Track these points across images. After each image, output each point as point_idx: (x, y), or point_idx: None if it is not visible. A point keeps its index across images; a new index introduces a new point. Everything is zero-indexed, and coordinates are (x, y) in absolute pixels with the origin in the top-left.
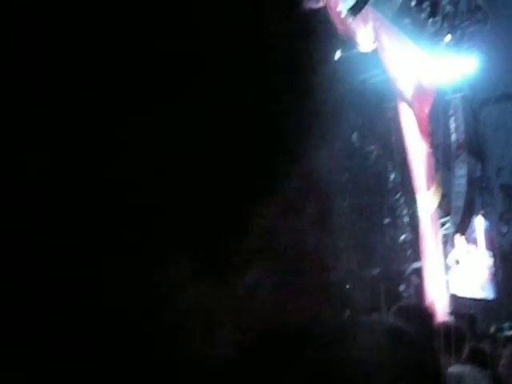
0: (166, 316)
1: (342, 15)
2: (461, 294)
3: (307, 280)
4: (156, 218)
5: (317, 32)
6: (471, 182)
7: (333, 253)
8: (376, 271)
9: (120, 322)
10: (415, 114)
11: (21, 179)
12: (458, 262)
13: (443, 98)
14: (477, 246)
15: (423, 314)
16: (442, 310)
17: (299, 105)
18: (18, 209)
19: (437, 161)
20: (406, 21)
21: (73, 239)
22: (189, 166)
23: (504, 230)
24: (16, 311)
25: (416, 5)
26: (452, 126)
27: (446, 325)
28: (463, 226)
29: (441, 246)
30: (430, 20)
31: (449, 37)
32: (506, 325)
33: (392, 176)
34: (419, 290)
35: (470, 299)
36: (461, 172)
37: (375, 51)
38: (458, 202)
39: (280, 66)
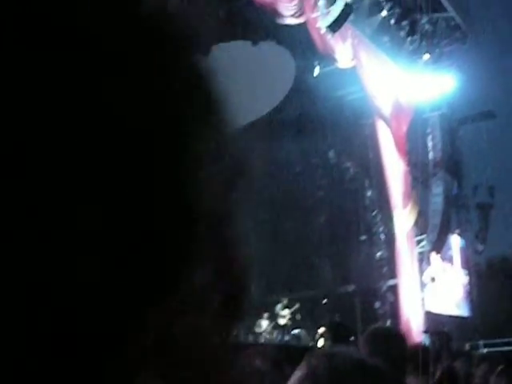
0: None
1: (322, 31)
2: (436, 311)
3: None
4: None
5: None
6: (448, 200)
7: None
8: (352, 288)
9: None
10: (393, 132)
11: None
12: (433, 280)
13: (421, 116)
14: (452, 263)
15: (396, 338)
16: (416, 328)
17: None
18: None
19: (414, 179)
20: (385, 38)
21: None
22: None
23: (480, 248)
24: None
25: (395, 23)
26: (429, 144)
27: (420, 344)
28: (439, 244)
29: (416, 264)
30: (409, 38)
31: (427, 55)
32: (481, 342)
33: (369, 193)
34: (395, 307)
35: (446, 316)
36: (437, 190)
37: (354, 68)
38: (435, 220)
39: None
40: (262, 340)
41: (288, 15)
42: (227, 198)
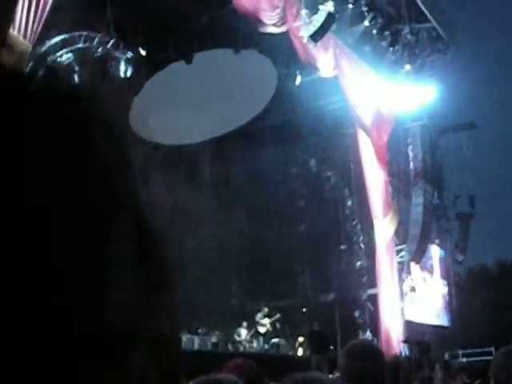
0: None
1: (304, 41)
2: (416, 320)
3: None
4: None
5: None
6: (428, 210)
7: None
8: (332, 297)
9: None
10: (374, 142)
11: None
12: (413, 289)
13: (402, 126)
14: (432, 273)
15: (373, 353)
16: (396, 337)
17: None
18: None
19: (394, 188)
20: (367, 48)
21: None
22: None
23: (459, 258)
24: None
25: (377, 33)
26: (410, 154)
27: (397, 356)
28: (419, 254)
29: (396, 273)
30: (391, 48)
31: (409, 65)
32: (460, 352)
33: (349, 203)
34: (374, 317)
35: (425, 326)
36: (418, 200)
37: (335, 77)
38: (415, 230)
39: None
40: (241, 349)
41: (270, 24)
42: (150, 301)
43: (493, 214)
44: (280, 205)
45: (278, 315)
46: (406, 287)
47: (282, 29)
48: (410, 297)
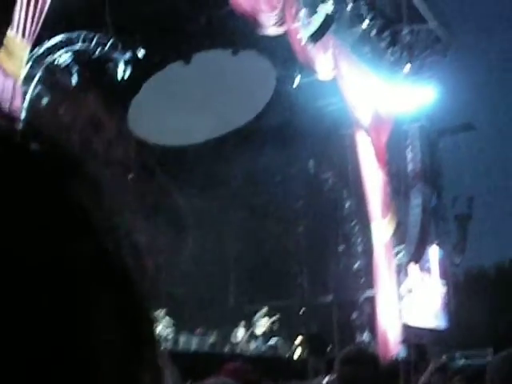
0: None
1: (303, 42)
2: (413, 323)
3: None
4: None
5: None
6: (426, 212)
7: None
8: (329, 298)
9: None
10: (372, 143)
11: None
12: (411, 291)
13: (401, 127)
14: (430, 275)
15: (369, 358)
16: (393, 339)
17: None
18: None
19: (393, 190)
20: (366, 49)
21: None
22: None
23: (458, 259)
24: None
25: (376, 34)
26: (409, 155)
27: (396, 358)
28: (417, 255)
29: (394, 275)
30: (390, 49)
31: (408, 67)
32: (458, 354)
33: (347, 204)
34: (372, 319)
35: (423, 329)
36: (416, 201)
37: (334, 78)
38: (413, 231)
39: None
40: (239, 350)
41: (269, 25)
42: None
43: (491, 215)
44: (278, 206)
45: (276, 316)
46: (403, 289)
47: (281, 30)
48: (408, 299)
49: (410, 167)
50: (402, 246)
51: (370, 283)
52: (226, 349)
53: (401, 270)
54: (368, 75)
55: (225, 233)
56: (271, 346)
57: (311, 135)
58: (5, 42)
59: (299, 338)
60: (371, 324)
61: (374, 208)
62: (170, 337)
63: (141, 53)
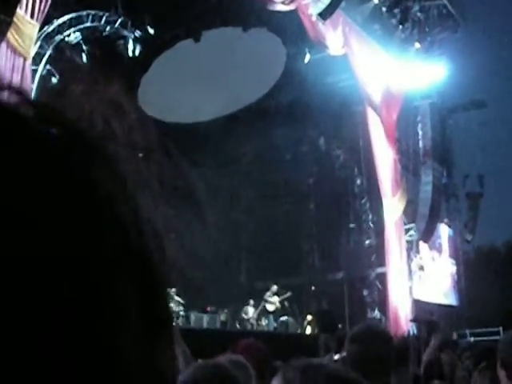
0: None
1: (313, 19)
2: (424, 299)
3: None
4: None
5: None
6: (437, 189)
7: None
8: (340, 275)
9: None
10: (383, 120)
11: None
12: (421, 268)
13: (411, 104)
14: (441, 252)
15: (379, 336)
16: (404, 316)
17: None
18: None
19: (403, 167)
20: (377, 26)
21: None
22: None
23: (468, 237)
24: None
25: (387, 10)
26: (419, 132)
27: (407, 335)
28: (428, 233)
29: (405, 252)
30: (401, 26)
31: (418, 43)
32: (468, 332)
33: (358, 181)
34: (383, 295)
35: (433, 305)
36: (427, 179)
37: (344, 55)
38: (424, 209)
39: None
40: (249, 327)
41: (279, 2)
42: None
43: (502, 193)
44: (289, 183)
45: (288, 293)
46: (414, 266)
47: (291, 7)
48: (419, 276)
49: (420, 144)
50: (413, 224)
51: (380, 260)
52: (238, 326)
53: (411, 248)
54: (378, 52)
55: (235, 210)
56: (282, 323)
57: (322, 112)
58: (14, 21)
59: (310, 316)
60: (382, 301)
61: (384, 185)
62: (181, 314)
63: (150, 31)
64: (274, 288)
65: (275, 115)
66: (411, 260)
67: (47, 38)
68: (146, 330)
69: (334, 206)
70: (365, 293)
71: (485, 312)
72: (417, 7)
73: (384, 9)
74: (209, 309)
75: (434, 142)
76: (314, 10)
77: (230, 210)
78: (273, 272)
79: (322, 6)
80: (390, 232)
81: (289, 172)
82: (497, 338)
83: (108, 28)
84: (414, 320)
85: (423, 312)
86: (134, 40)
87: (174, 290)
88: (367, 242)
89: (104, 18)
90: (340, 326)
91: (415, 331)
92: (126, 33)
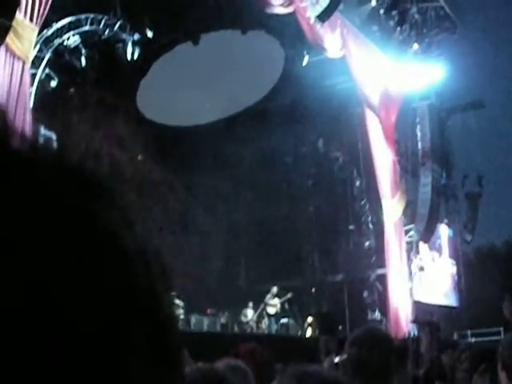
0: None
1: (311, 21)
2: (424, 300)
3: None
4: None
5: None
6: (436, 190)
7: None
8: (340, 277)
9: None
10: (381, 121)
11: None
12: (421, 269)
13: (410, 105)
14: (441, 253)
15: (379, 340)
16: (405, 317)
17: None
18: None
19: (402, 168)
20: (374, 28)
21: None
22: None
23: (468, 238)
24: None
25: (384, 12)
26: (418, 133)
27: (407, 336)
28: (428, 234)
29: (405, 253)
30: (398, 28)
31: (416, 45)
32: (469, 332)
33: (357, 182)
34: (383, 297)
35: (434, 306)
36: (426, 180)
37: (343, 57)
38: (423, 210)
39: None
40: (249, 330)
41: (277, 4)
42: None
43: (502, 193)
44: (289, 185)
45: (288, 295)
46: (414, 267)
47: (289, 9)
48: (419, 277)
49: (419, 145)
50: (412, 225)
51: (380, 262)
52: (237, 329)
53: (411, 249)
54: (376, 54)
55: (235, 213)
56: (283, 325)
57: (320, 114)
58: (13, 24)
59: (310, 318)
60: (382, 302)
61: (383, 187)
62: (181, 317)
63: (149, 34)
64: (274, 290)
65: (274, 117)
66: (411, 261)
67: (46, 42)
68: (155, 364)
69: (334, 208)
70: (365, 294)
71: (485, 312)
72: (414, 9)
73: (382, 11)
74: (209, 311)
75: (432, 143)
76: (312, 13)
77: (230, 212)
78: (273, 274)
79: (320, 8)
80: (389, 233)
81: (288, 174)
82: (498, 338)
83: (107, 31)
84: (414, 321)
85: (424, 313)
86: (132, 43)
87: (173, 293)
88: (367, 243)
89: (103, 22)
90: (340, 327)
91: (416, 332)
92: (124, 36)
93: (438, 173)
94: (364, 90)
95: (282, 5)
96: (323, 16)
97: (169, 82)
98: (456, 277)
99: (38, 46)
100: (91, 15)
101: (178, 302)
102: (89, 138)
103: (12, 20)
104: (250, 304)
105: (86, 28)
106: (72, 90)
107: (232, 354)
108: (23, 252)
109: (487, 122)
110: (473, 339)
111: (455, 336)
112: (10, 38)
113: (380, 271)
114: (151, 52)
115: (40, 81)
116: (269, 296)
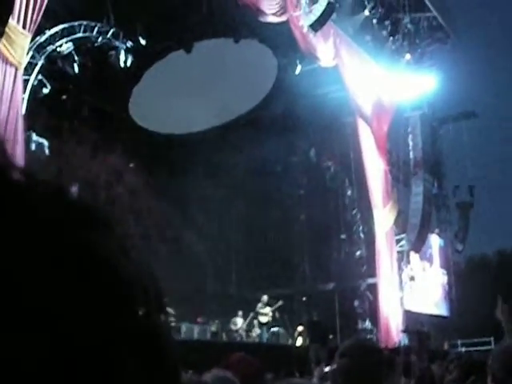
0: None
1: (304, 30)
2: (415, 310)
3: None
4: None
5: None
6: (428, 200)
7: None
8: (331, 286)
9: None
10: (373, 131)
11: None
12: (412, 279)
13: (402, 115)
14: (432, 263)
15: (368, 351)
16: (395, 327)
17: None
18: None
19: (394, 178)
20: (367, 38)
21: None
22: None
23: (459, 247)
24: None
25: (377, 22)
26: (410, 143)
27: (398, 345)
28: (419, 243)
29: (396, 263)
30: (391, 38)
31: (409, 55)
32: (459, 342)
33: (349, 192)
34: (374, 306)
35: (425, 316)
36: (417, 189)
37: (335, 67)
38: (414, 220)
39: None
40: (239, 338)
41: (270, 13)
42: None
43: (493, 203)
44: (280, 194)
45: (280, 302)
46: (405, 277)
47: (282, 18)
48: (410, 286)
49: (411, 155)
50: (404, 234)
51: (371, 271)
52: (226, 337)
53: (402, 258)
54: (369, 64)
55: (226, 221)
56: (273, 334)
57: (313, 123)
58: (6, 31)
59: (300, 327)
60: (373, 311)
61: (375, 196)
62: (171, 325)
63: (142, 42)
64: (265, 298)
65: (266, 126)
66: (402, 270)
67: (39, 48)
68: None
69: (325, 217)
70: (356, 303)
71: (476, 322)
72: (407, 19)
73: (375, 20)
74: (199, 319)
75: (424, 153)
76: (305, 22)
77: (221, 221)
78: (263, 282)
79: (313, 17)
80: (380, 243)
81: (279, 183)
82: (488, 347)
83: (100, 39)
84: (405, 331)
85: (414, 322)
86: (125, 51)
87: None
88: (358, 252)
89: (96, 29)
90: (331, 336)
91: (406, 342)
92: (117, 43)
93: (429, 182)
94: (356, 99)
95: (275, 14)
96: (316, 25)
97: (161, 89)
98: (447, 286)
99: (30, 53)
100: (84, 22)
101: (168, 309)
102: (81, 146)
103: (5, 26)
104: (240, 312)
105: (79, 35)
106: (64, 96)
107: (221, 365)
108: (23, 285)
109: (479, 132)
110: (463, 349)
111: (446, 346)
112: (2, 44)
113: (371, 280)
114: (144, 60)
115: (32, 87)
116: (260, 305)
